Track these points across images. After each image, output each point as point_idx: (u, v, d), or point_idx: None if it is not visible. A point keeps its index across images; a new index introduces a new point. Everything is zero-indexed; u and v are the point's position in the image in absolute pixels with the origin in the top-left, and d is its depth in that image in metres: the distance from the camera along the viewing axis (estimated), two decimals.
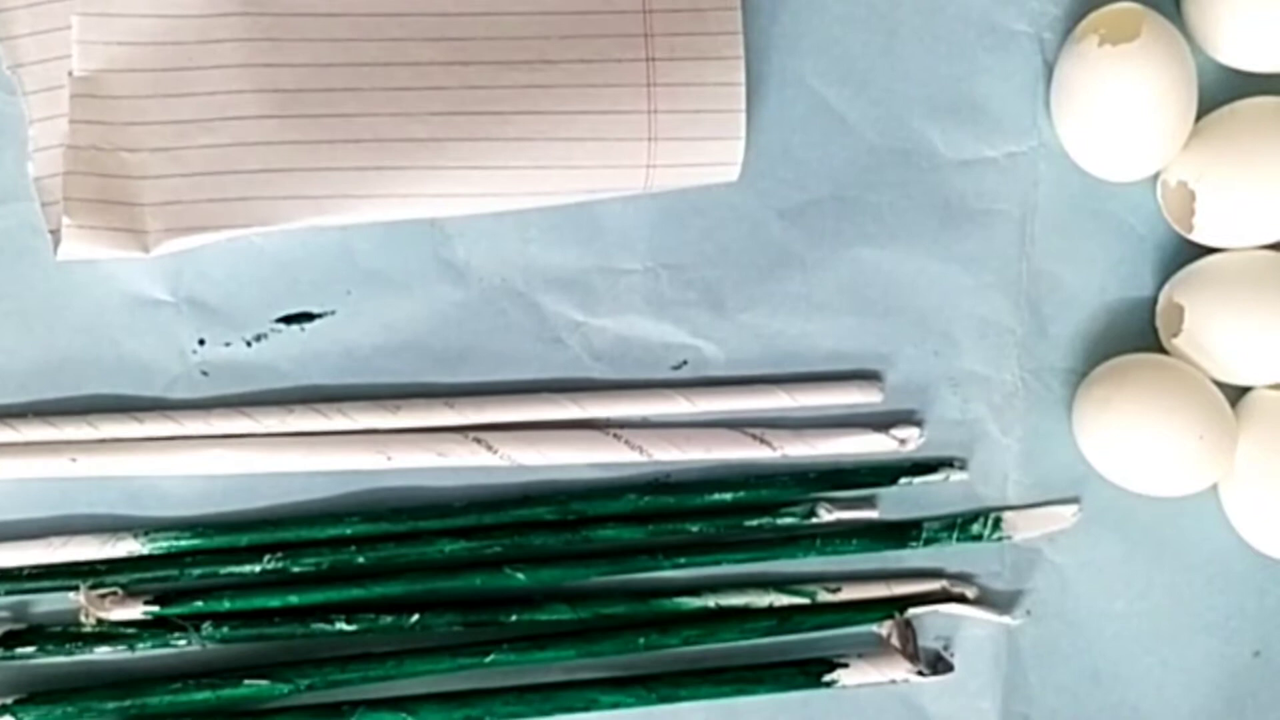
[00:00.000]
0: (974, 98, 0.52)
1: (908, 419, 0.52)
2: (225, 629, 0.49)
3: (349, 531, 0.49)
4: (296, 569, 0.49)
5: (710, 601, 0.51)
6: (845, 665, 0.51)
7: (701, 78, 0.49)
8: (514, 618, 0.50)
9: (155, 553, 0.49)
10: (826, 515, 0.51)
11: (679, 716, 0.51)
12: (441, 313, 0.51)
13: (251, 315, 0.50)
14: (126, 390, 0.49)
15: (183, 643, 0.49)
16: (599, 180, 0.49)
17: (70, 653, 0.48)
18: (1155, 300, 0.53)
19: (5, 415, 0.49)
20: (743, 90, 0.49)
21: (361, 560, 0.49)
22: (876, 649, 0.52)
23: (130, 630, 0.48)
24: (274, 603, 0.49)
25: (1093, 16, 0.50)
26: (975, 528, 0.52)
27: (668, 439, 0.51)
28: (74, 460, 0.48)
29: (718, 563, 0.51)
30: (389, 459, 0.49)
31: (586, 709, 0.50)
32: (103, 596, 0.48)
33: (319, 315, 0.50)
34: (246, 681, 0.48)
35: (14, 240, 0.49)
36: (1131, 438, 0.51)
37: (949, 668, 0.52)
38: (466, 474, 0.50)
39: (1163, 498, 0.52)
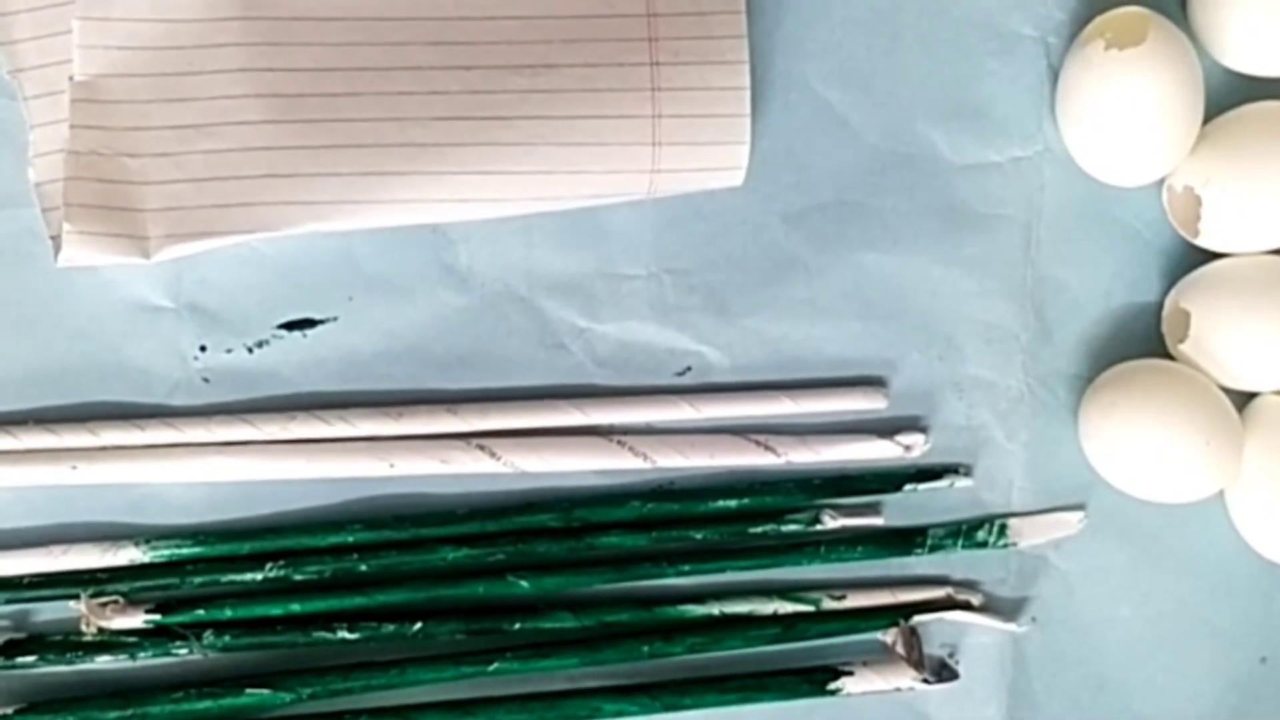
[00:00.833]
0: (979, 102, 0.52)
1: (913, 425, 0.52)
2: (227, 637, 0.48)
3: (351, 539, 0.49)
4: (298, 577, 0.49)
5: (715, 609, 0.51)
6: (850, 673, 0.51)
7: (706, 82, 0.49)
8: (517, 626, 0.50)
9: (156, 561, 0.49)
10: (831, 522, 0.51)
11: None
12: (444, 318, 0.50)
13: (253, 321, 0.50)
14: (127, 397, 0.49)
15: (184, 651, 0.48)
16: (603, 185, 0.48)
17: (71, 662, 0.48)
18: (1161, 306, 0.53)
19: (5, 422, 0.48)
20: (748, 94, 0.49)
21: (364, 568, 0.49)
22: (881, 656, 0.52)
23: (131, 639, 0.48)
24: (276, 611, 0.49)
25: (1099, 20, 0.50)
26: (980, 534, 0.52)
27: (672, 445, 0.51)
28: (75, 468, 0.48)
29: (722, 570, 0.51)
30: (391, 466, 0.49)
31: (590, 717, 0.50)
32: (104, 605, 0.48)
33: (321, 321, 0.50)
34: (248, 690, 0.48)
35: (14, 246, 0.48)
36: (1137, 444, 0.50)
37: (954, 675, 0.52)
38: (469, 481, 0.50)
39: (1169, 504, 0.51)
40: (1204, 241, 0.51)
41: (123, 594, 0.48)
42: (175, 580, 0.48)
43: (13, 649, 0.48)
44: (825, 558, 0.51)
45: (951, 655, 0.53)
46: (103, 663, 0.48)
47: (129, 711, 0.48)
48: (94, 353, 0.49)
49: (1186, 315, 0.51)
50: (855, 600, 0.52)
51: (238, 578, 0.49)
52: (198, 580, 0.49)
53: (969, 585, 0.53)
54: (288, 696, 0.48)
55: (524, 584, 0.50)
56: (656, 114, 0.48)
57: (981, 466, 0.53)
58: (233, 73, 0.47)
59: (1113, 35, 0.49)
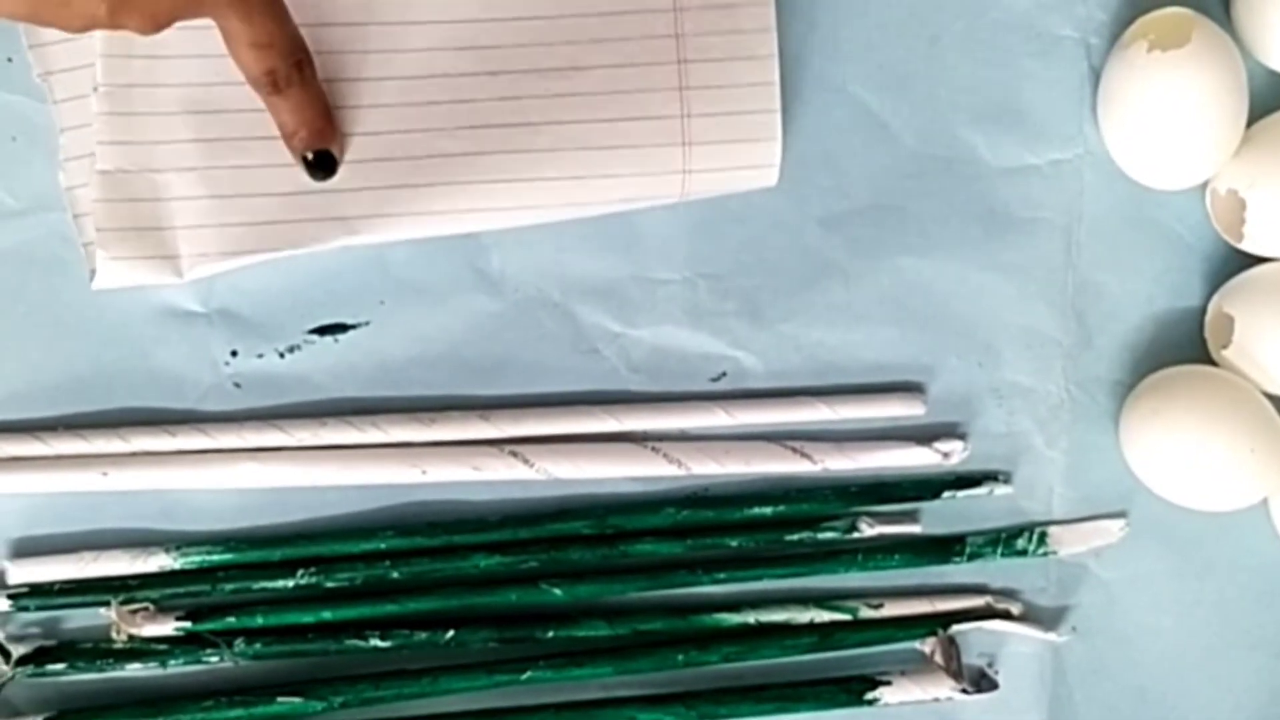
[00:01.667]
0: (1018, 104, 0.51)
1: (951, 432, 0.51)
2: (258, 645, 0.48)
3: (383, 546, 0.49)
4: (330, 584, 0.48)
5: (750, 618, 0.50)
6: (888, 683, 0.50)
7: (735, 78, 0.48)
8: (551, 634, 0.49)
9: (187, 567, 0.48)
10: (868, 530, 0.51)
11: None
12: (476, 324, 0.50)
13: (284, 326, 0.49)
14: (158, 403, 0.49)
15: (215, 659, 0.48)
16: (635, 188, 0.48)
17: (101, 669, 0.48)
18: (1204, 311, 0.52)
19: (37, 428, 0.48)
20: (777, 89, 0.48)
21: (396, 575, 0.49)
22: (919, 666, 0.51)
23: (162, 646, 0.48)
24: (307, 618, 0.48)
25: (1142, 21, 0.49)
26: (1020, 543, 0.52)
27: (706, 452, 0.50)
28: (105, 474, 0.48)
29: (758, 578, 0.50)
30: (424, 473, 0.49)
31: None
32: (134, 612, 0.48)
33: (352, 326, 0.49)
34: (280, 699, 0.48)
35: (46, 251, 0.48)
36: (1180, 451, 0.50)
37: (993, 685, 0.52)
38: (502, 488, 0.50)
39: (1212, 512, 0.51)
40: (1248, 245, 0.51)
41: (153, 601, 0.48)
42: (206, 587, 0.48)
43: (43, 656, 0.48)
44: (862, 566, 0.51)
45: (990, 665, 0.52)
46: (133, 670, 0.48)
47: None
48: (125, 358, 0.49)
49: (1230, 320, 0.50)
50: (893, 609, 0.51)
51: (269, 585, 0.48)
52: (229, 587, 0.48)
53: (1008, 594, 0.52)
54: (319, 705, 0.48)
55: (557, 592, 0.49)
56: (686, 113, 0.48)
57: (1021, 473, 0.52)
58: None
59: (1156, 36, 0.48)
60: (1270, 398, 0.50)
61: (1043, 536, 0.52)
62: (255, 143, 0.46)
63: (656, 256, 0.50)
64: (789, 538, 0.50)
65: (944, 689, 0.51)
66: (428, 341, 0.50)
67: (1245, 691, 0.53)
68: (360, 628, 0.48)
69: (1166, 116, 0.49)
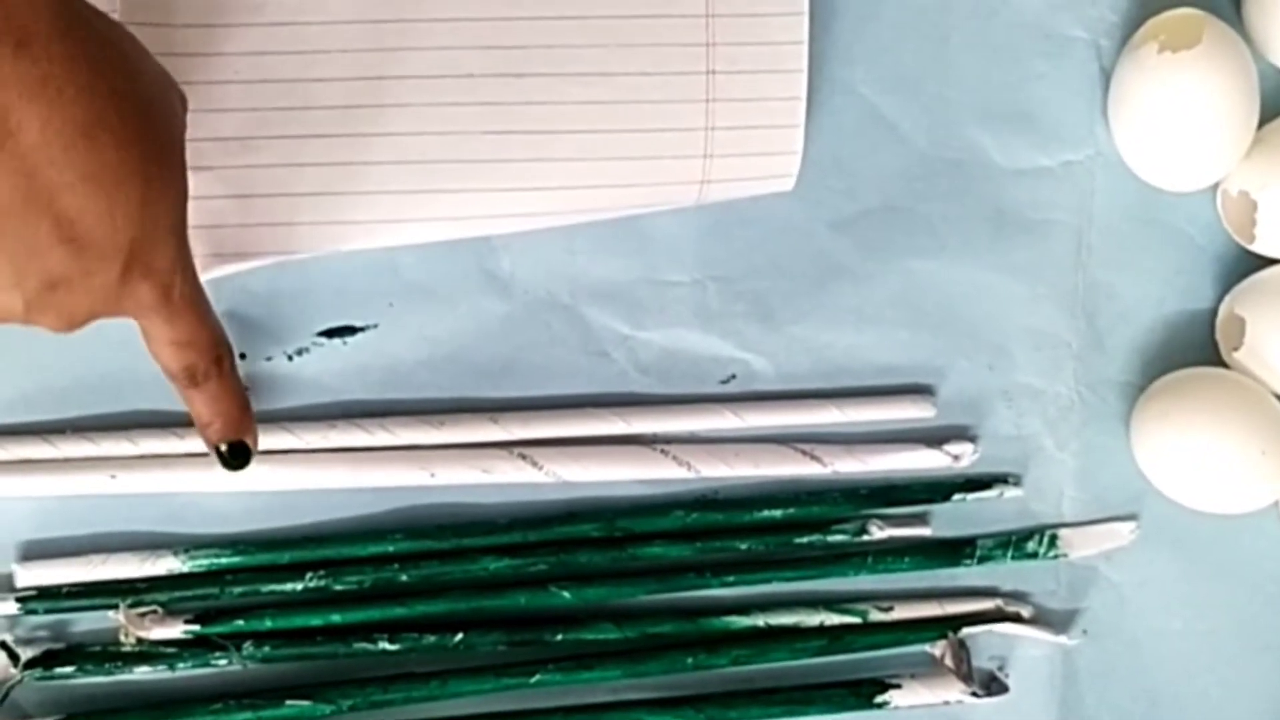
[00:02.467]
0: (1029, 106, 0.51)
1: (961, 434, 0.51)
2: (266, 648, 0.48)
3: (392, 549, 0.49)
4: (339, 587, 0.48)
5: (760, 620, 0.50)
6: (898, 686, 0.50)
7: (762, 92, 0.48)
8: (560, 637, 0.49)
9: (195, 570, 0.48)
10: (878, 533, 0.50)
11: None
12: (486, 326, 0.50)
13: (293, 329, 0.49)
14: (167, 405, 0.48)
15: (223, 662, 0.48)
16: (651, 196, 0.48)
17: (110, 672, 0.48)
18: (1215, 312, 0.52)
19: (45, 430, 0.48)
20: (803, 104, 0.48)
21: (405, 578, 0.48)
22: (929, 669, 0.51)
23: (170, 650, 0.48)
24: (316, 621, 0.48)
25: (1153, 22, 0.49)
26: (1030, 545, 0.51)
27: (716, 455, 0.50)
28: (114, 477, 0.47)
29: (767, 581, 0.50)
30: (433, 475, 0.48)
31: None
32: (142, 615, 0.48)
33: (361, 329, 0.49)
34: (288, 702, 0.48)
35: None
36: (1191, 453, 0.50)
37: (1004, 689, 0.51)
38: (511, 490, 0.49)
39: (1223, 514, 0.51)
40: (1259, 247, 0.51)
41: (161, 604, 0.48)
42: (215, 590, 0.48)
43: (51, 659, 0.48)
44: (872, 569, 0.51)
45: (1001, 668, 0.52)
46: (141, 673, 0.48)
47: None
48: (132, 361, 0.48)
49: (1241, 322, 0.50)
50: (903, 612, 0.51)
51: (277, 588, 0.48)
52: (237, 590, 0.48)
53: (1019, 597, 0.52)
54: (328, 708, 0.48)
55: (566, 595, 0.49)
56: (710, 126, 0.47)
57: (1031, 476, 0.52)
58: (274, 83, 0.46)
59: (1167, 37, 0.48)
60: None
61: (1053, 539, 0.52)
62: (269, 142, 0.46)
63: (666, 259, 0.50)
64: (798, 540, 0.50)
65: (954, 692, 0.50)
66: (437, 343, 0.49)
67: (1257, 695, 0.53)
68: (369, 630, 0.48)
69: (1177, 118, 0.49)
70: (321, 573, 0.48)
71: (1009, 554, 0.51)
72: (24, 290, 0.37)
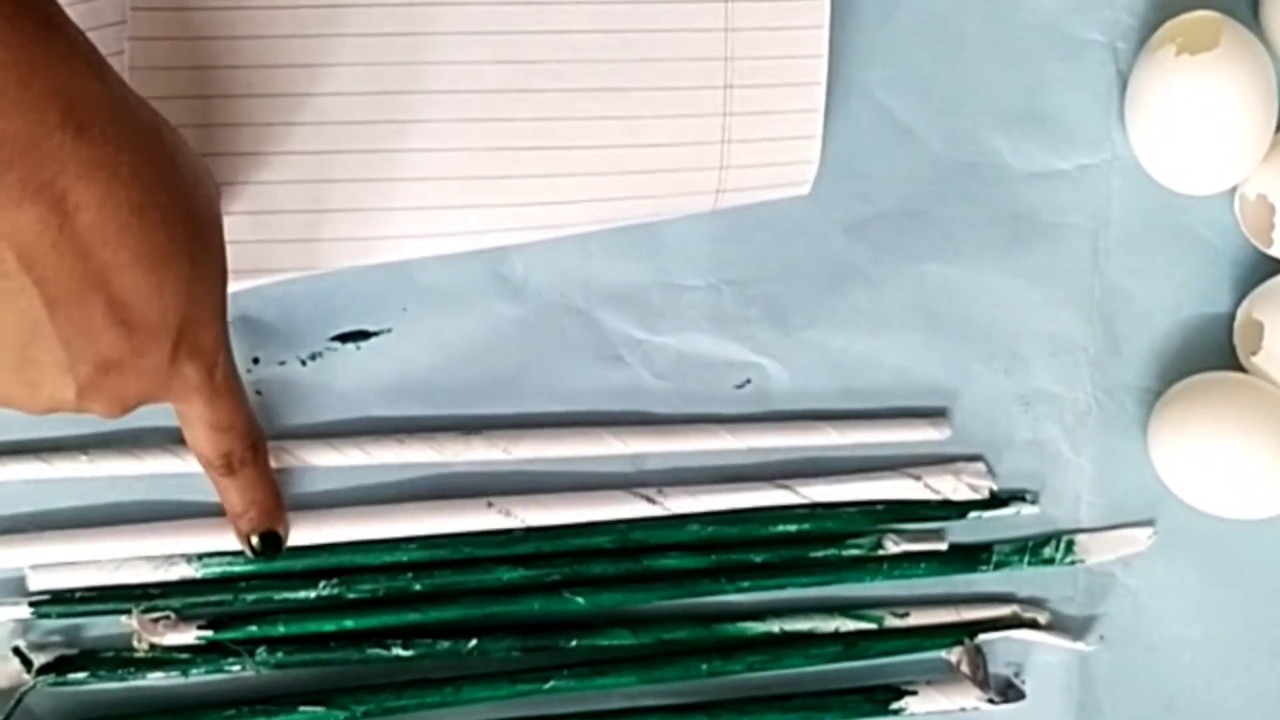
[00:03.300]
0: (1045, 109, 0.51)
1: (977, 457, 0.51)
2: (280, 654, 0.48)
3: (405, 558, 0.48)
4: (352, 595, 0.48)
5: (775, 627, 0.50)
6: (914, 692, 0.50)
7: (780, 105, 0.47)
8: (574, 643, 0.49)
9: (209, 576, 0.48)
10: (894, 547, 0.50)
11: None
12: (500, 330, 0.49)
13: (306, 334, 0.49)
14: (172, 422, 0.48)
15: (237, 668, 0.48)
16: (665, 206, 0.48)
17: (123, 678, 0.47)
18: (1233, 317, 0.52)
19: (43, 449, 0.47)
20: (821, 116, 0.48)
21: (418, 587, 0.48)
22: (946, 676, 0.51)
23: (183, 655, 0.48)
24: (329, 627, 0.48)
25: (1170, 25, 0.49)
26: (1047, 551, 0.51)
27: (716, 494, 0.50)
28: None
29: (783, 587, 0.50)
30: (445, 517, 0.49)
31: None
32: (155, 621, 0.47)
33: (375, 333, 0.49)
34: (302, 708, 0.47)
35: None
36: (1209, 458, 0.49)
37: (1020, 695, 0.51)
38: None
39: (1241, 520, 0.50)
40: (1277, 251, 0.50)
41: (175, 610, 0.48)
42: (228, 596, 0.48)
43: (64, 665, 0.47)
44: (888, 575, 0.50)
45: (1017, 674, 0.52)
46: (154, 679, 0.48)
47: None
48: None
49: (1260, 326, 0.50)
50: (919, 618, 0.51)
51: (291, 594, 0.48)
52: (250, 596, 0.48)
53: (1035, 603, 0.52)
54: (341, 715, 0.47)
55: (580, 600, 0.49)
56: (726, 139, 0.47)
57: (1048, 481, 0.52)
58: (287, 97, 0.46)
59: (1184, 40, 0.48)
60: None
61: (1070, 545, 0.51)
62: (279, 158, 0.46)
63: (680, 263, 0.50)
64: (814, 554, 0.50)
65: (970, 699, 0.50)
66: (450, 348, 0.49)
67: (1275, 701, 0.53)
68: (382, 637, 0.48)
69: (1195, 121, 0.48)
70: (335, 581, 0.48)
71: (1026, 560, 0.51)
72: (77, 375, 0.38)
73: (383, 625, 0.48)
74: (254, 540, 0.46)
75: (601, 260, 0.50)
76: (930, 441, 0.51)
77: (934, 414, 0.51)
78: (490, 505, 0.49)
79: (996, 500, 0.51)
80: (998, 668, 0.51)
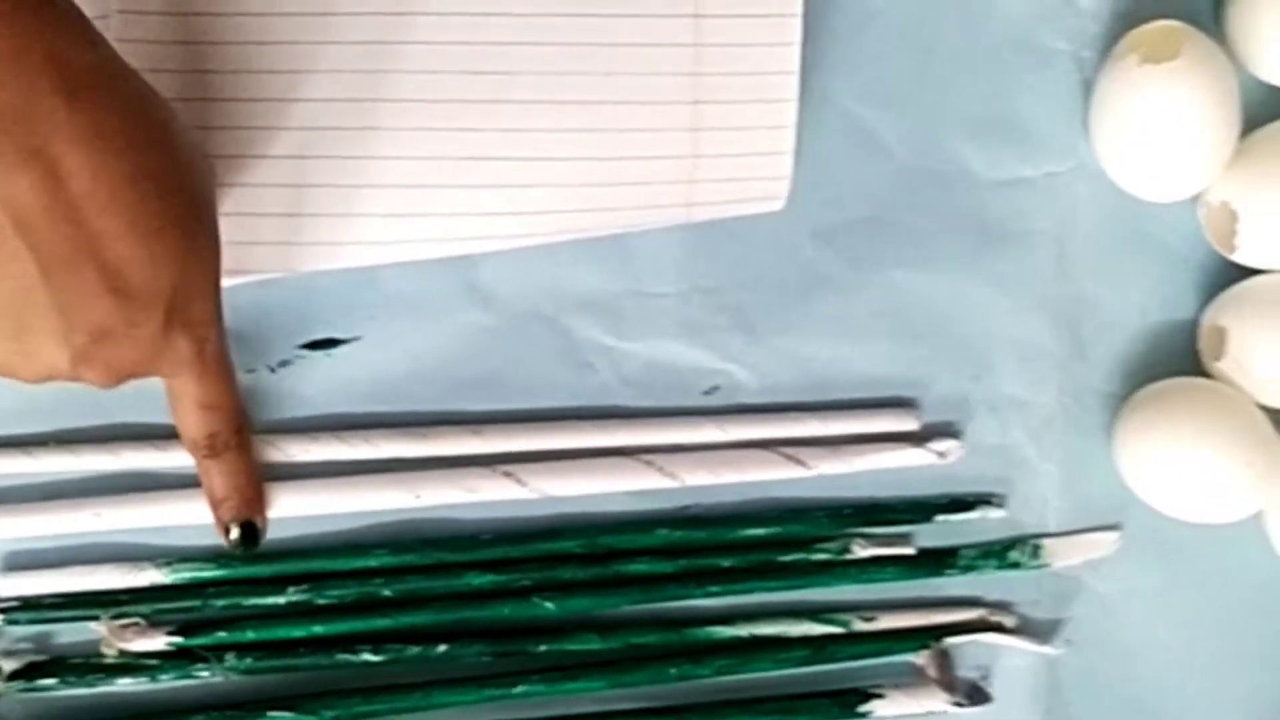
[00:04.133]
0: (1012, 117, 0.51)
1: (946, 431, 0.51)
2: (249, 660, 0.48)
3: (375, 564, 0.48)
4: (321, 601, 0.48)
5: (743, 631, 0.50)
6: (881, 696, 0.50)
7: (750, 120, 0.48)
8: (543, 648, 0.49)
9: (178, 582, 0.48)
10: (861, 551, 0.50)
11: None
12: (469, 338, 0.50)
13: (275, 341, 0.49)
14: (151, 418, 0.48)
15: (206, 674, 0.48)
16: (635, 218, 0.48)
17: (92, 684, 0.48)
18: (1197, 323, 0.52)
19: (27, 443, 0.48)
20: (793, 131, 0.48)
21: (388, 593, 0.48)
22: (913, 679, 0.51)
23: (152, 661, 0.48)
24: (298, 633, 0.48)
25: (1133, 34, 0.49)
26: (1014, 555, 0.51)
27: (700, 463, 0.50)
28: (99, 515, 0.47)
29: (751, 591, 0.50)
30: (418, 497, 0.48)
31: None
32: (124, 627, 0.47)
33: (344, 341, 0.49)
34: (270, 713, 0.47)
35: None
36: (1174, 463, 0.50)
37: (987, 698, 0.51)
38: (495, 507, 0.49)
39: (1206, 524, 0.51)
40: (1240, 257, 0.51)
41: (144, 616, 0.48)
42: (197, 602, 0.48)
43: (33, 671, 0.47)
44: (856, 579, 0.51)
45: (984, 678, 0.52)
46: (123, 685, 0.48)
47: None
48: None
49: (1223, 332, 0.50)
50: (886, 622, 0.51)
51: (260, 600, 0.48)
52: (220, 602, 0.48)
53: (1002, 606, 0.52)
54: (310, 719, 0.47)
55: (550, 605, 0.49)
56: (696, 154, 0.47)
57: (1015, 486, 0.52)
58: (261, 103, 0.46)
59: (1147, 49, 0.48)
60: (1264, 409, 0.50)
61: (1037, 549, 0.52)
62: (253, 162, 0.46)
63: (650, 271, 0.50)
64: (782, 559, 0.50)
65: (938, 702, 0.50)
66: (419, 356, 0.49)
67: (1241, 704, 0.53)
68: (352, 642, 0.48)
69: (1159, 129, 0.49)
70: (304, 587, 0.48)
71: (993, 564, 0.51)
72: (71, 343, 0.38)
73: (352, 631, 0.48)
74: (233, 532, 0.46)
75: (571, 268, 0.50)
76: (900, 430, 0.51)
77: (904, 403, 0.52)
78: (494, 469, 0.49)
79: (963, 503, 0.51)
80: (965, 671, 0.52)
